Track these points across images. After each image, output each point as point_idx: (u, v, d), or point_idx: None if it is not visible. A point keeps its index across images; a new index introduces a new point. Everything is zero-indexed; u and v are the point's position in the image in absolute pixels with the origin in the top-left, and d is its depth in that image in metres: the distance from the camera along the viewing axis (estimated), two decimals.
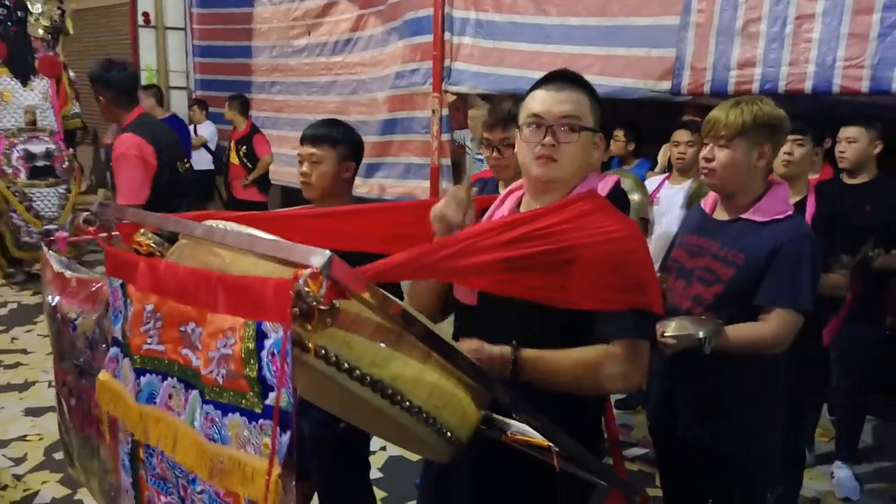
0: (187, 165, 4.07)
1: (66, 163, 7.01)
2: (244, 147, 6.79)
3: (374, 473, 3.03)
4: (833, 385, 3.60)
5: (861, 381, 3.60)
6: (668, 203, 3.78)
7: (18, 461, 3.73)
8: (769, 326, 2.11)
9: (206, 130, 7.86)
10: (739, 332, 2.11)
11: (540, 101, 1.70)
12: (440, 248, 1.32)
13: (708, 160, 2.19)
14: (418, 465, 3.68)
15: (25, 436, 4.00)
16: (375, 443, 3.61)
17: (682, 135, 3.83)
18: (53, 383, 2.43)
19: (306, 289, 0.98)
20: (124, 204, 3.46)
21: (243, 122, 6.90)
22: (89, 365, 2.13)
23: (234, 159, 6.92)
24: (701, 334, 2.02)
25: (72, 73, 7.25)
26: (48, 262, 2.30)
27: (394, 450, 3.90)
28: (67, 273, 2.23)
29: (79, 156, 7.69)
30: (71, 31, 7.08)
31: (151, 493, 1.41)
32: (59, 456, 3.67)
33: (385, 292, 1.13)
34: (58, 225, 6.86)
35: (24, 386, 4.67)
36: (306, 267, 0.99)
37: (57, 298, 2.22)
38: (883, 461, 3.98)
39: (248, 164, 6.79)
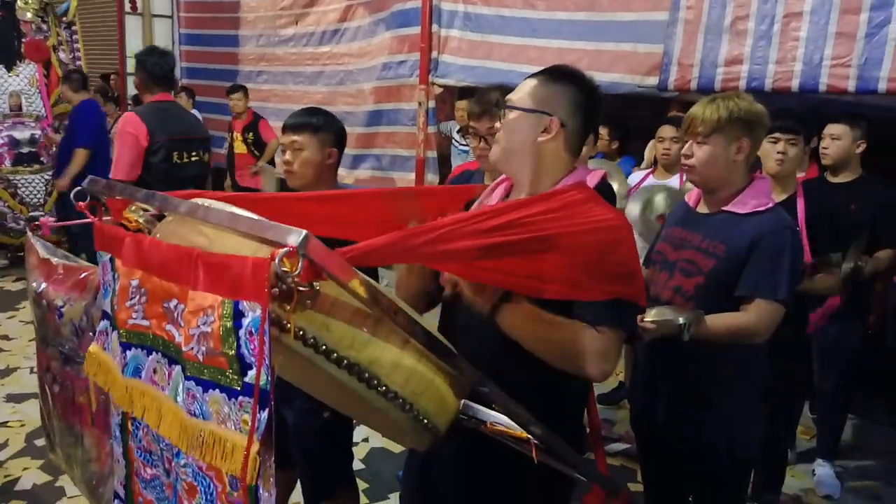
0: (194, 158, 4.06)
1: (54, 149, 6.93)
2: (251, 134, 6.74)
3: (357, 464, 3.03)
4: (815, 383, 3.62)
5: (843, 379, 3.61)
6: None
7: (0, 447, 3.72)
8: (749, 316, 2.13)
9: None
10: (719, 321, 2.12)
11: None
12: (421, 233, 1.31)
13: (687, 157, 2.21)
14: (400, 457, 3.69)
15: (7, 422, 3.98)
16: (358, 433, 3.60)
17: (666, 131, 3.87)
18: (36, 370, 2.41)
19: (283, 268, 0.98)
20: (114, 179, 3.58)
21: (246, 110, 6.87)
22: (75, 352, 2.11)
23: (239, 148, 6.87)
24: (681, 320, 2.04)
25: (62, 55, 7.16)
26: (34, 248, 2.26)
27: (376, 441, 3.91)
28: (54, 259, 2.19)
29: None
30: (74, 17, 6.99)
31: (138, 464, 1.42)
32: (40, 443, 3.66)
33: (362, 274, 1.12)
34: (44, 212, 6.78)
35: (6, 372, 4.65)
36: (283, 246, 0.98)
37: (43, 285, 2.19)
38: (864, 459, 4.01)
39: (255, 151, 6.76)
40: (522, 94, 1.72)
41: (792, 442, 3.87)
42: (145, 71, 3.99)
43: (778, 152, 2.97)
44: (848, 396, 3.72)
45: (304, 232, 0.98)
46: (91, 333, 2.02)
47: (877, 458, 4.02)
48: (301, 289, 1.02)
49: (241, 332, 1.04)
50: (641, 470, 2.59)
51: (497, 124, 1.74)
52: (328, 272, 1.03)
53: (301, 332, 1.12)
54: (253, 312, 1.02)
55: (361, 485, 3.21)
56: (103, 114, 6.62)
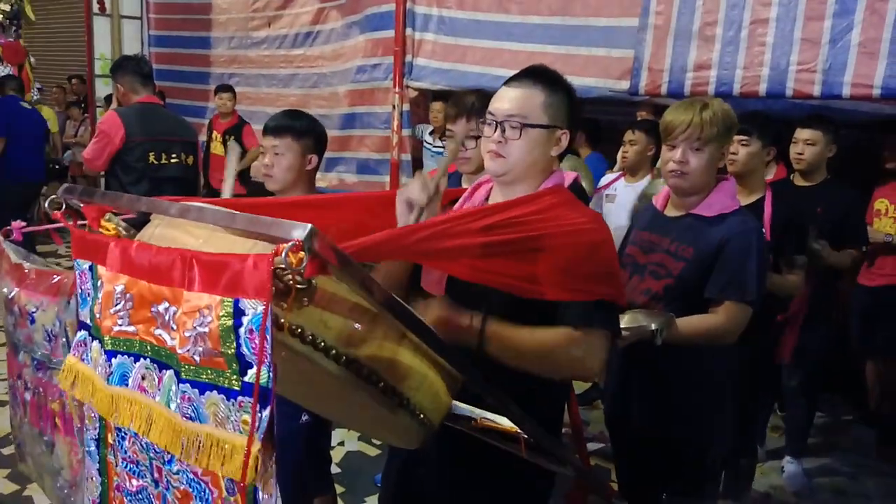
0: (174, 160, 4.07)
1: None
2: (232, 137, 6.58)
3: (333, 468, 3.03)
4: (785, 383, 3.69)
5: (810, 378, 3.69)
6: (623, 199, 4.01)
7: None
8: (718, 318, 2.19)
9: None
10: (690, 323, 2.17)
11: (495, 99, 1.75)
12: (419, 230, 1.34)
13: (682, 163, 2.19)
14: (377, 461, 3.70)
15: None
16: (334, 437, 3.60)
17: (628, 134, 4.02)
18: (6, 377, 2.37)
19: (287, 262, 0.97)
20: (82, 162, 3.73)
21: (232, 112, 6.77)
22: (47, 358, 2.09)
23: (217, 150, 6.73)
24: (653, 326, 2.08)
25: (32, 59, 7.06)
26: (5, 253, 2.23)
27: (352, 444, 3.91)
28: (26, 265, 2.16)
29: None
30: (32, 17, 6.89)
31: (122, 478, 1.39)
32: (7, 451, 3.63)
33: (365, 270, 1.12)
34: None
35: None
36: (287, 241, 0.98)
37: (15, 290, 2.16)
38: (830, 456, 4.11)
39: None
40: (533, 108, 1.69)
41: (762, 440, 3.95)
42: (133, 73, 4.07)
43: (730, 153, 2.98)
44: (814, 395, 3.79)
45: (310, 226, 0.97)
46: (64, 339, 2.00)
47: (842, 454, 4.12)
48: (299, 286, 1.01)
49: (242, 331, 1.03)
50: (616, 469, 2.63)
51: (496, 134, 1.69)
52: (332, 266, 1.03)
53: (299, 330, 1.12)
54: (254, 310, 1.01)
55: (338, 488, 3.21)
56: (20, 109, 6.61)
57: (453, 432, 1.59)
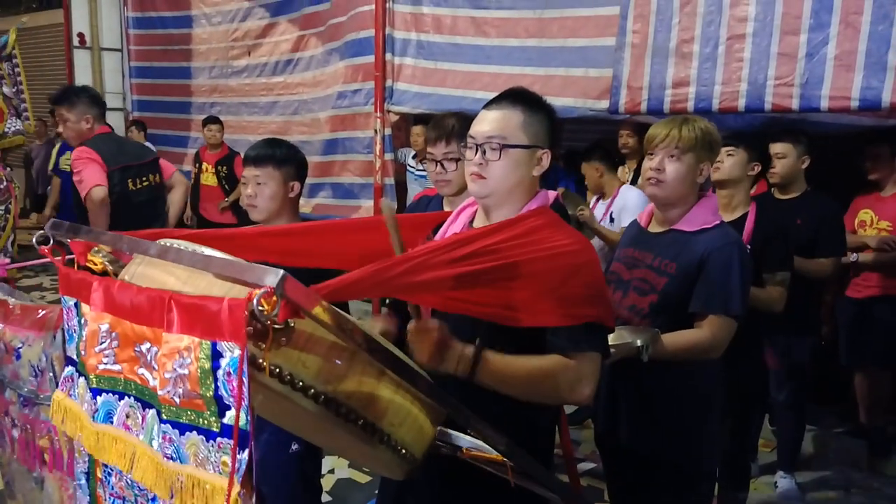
0: (145, 183, 4.11)
1: (4, 182, 6.74)
2: (224, 167, 6.62)
3: (324, 497, 2.99)
4: (773, 397, 3.67)
5: (798, 391, 3.67)
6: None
7: None
8: (703, 333, 2.19)
9: None
10: (675, 339, 2.17)
11: (476, 122, 1.76)
12: (395, 265, 1.32)
13: (658, 170, 2.24)
14: (367, 487, 3.67)
15: None
16: (324, 465, 3.56)
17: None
18: None
19: (260, 308, 0.98)
20: (92, 186, 3.71)
21: (221, 143, 6.76)
22: (34, 394, 2.09)
23: (208, 181, 6.72)
24: (639, 342, 2.07)
25: (6, 90, 7.00)
26: None
27: (343, 472, 3.87)
28: (11, 301, 2.18)
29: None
30: (13, 49, 6.85)
31: None
32: None
33: (339, 310, 1.12)
34: None
35: None
36: (260, 287, 0.99)
37: (0, 326, 2.17)
38: (822, 469, 4.08)
39: (225, 185, 6.63)
40: (512, 129, 1.70)
41: (753, 455, 3.92)
42: (98, 105, 4.09)
43: (716, 161, 3.01)
44: (803, 409, 3.78)
45: (282, 272, 0.98)
46: (51, 373, 2.01)
47: (835, 467, 4.10)
48: (276, 327, 1.02)
49: (220, 373, 1.03)
50: (608, 489, 2.60)
51: (477, 156, 1.70)
52: (305, 311, 1.03)
53: (277, 370, 1.12)
54: (231, 353, 1.02)
55: None
56: None
57: (444, 459, 1.57)
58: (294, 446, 2.40)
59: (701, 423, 2.28)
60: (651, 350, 2.07)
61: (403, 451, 1.35)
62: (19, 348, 2.10)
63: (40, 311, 2.09)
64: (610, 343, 2.05)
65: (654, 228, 2.37)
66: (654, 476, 2.28)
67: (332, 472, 3.86)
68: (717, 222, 2.27)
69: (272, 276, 0.98)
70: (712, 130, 2.26)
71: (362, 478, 3.83)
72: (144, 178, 4.09)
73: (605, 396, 2.40)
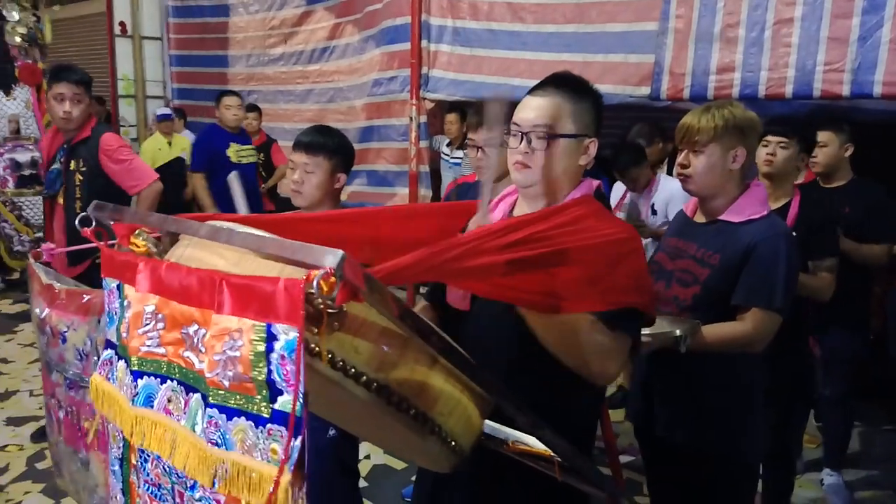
0: None
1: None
2: (262, 155, 6.63)
3: (360, 482, 2.99)
4: (820, 391, 3.57)
5: (846, 387, 3.59)
6: None
7: (0, 471, 3.67)
8: (745, 326, 2.13)
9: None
10: (716, 331, 2.12)
11: (520, 108, 1.71)
12: (447, 250, 1.29)
13: (684, 166, 2.21)
14: (403, 474, 3.67)
15: (6, 446, 3.95)
16: (360, 451, 3.57)
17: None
18: (40, 393, 2.43)
19: (319, 289, 0.95)
20: (147, 184, 3.64)
21: (259, 130, 6.79)
22: (79, 377, 2.13)
23: None
24: (677, 332, 2.03)
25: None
26: (36, 274, 2.26)
27: (378, 458, 3.88)
28: (56, 285, 2.20)
29: None
30: (49, 39, 6.94)
31: (143, 500, 1.37)
32: (41, 465, 3.67)
33: (395, 295, 1.09)
34: None
35: (5, 395, 4.61)
36: (318, 268, 0.95)
37: (46, 310, 2.20)
38: (870, 468, 3.98)
39: (262, 172, 6.66)
40: (559, 116, 1.66)
41: (798, 451, 3.82)
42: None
43: (768, 154, 2.98)
44: (850, 404, 3.67)
45: (341, 253, 0.94)
46: (95, 357, 2.04)
47: (884, 466, 4.00)
48: (330, 311, 0.99)
49: (273, 356, 0.99)
50: (647, 481, 2.55)
51: (522, 145, 1.66)
52: (364, 293, 1.00)
53: (330, 355, 1.09)
54: (286, 335, 0.98)
55: (366, 503, 3.16)
56: None
57: (485, 451, 1.54)
58: (331, 431, 2.38)
59: (745, 412, 2.23)
60: (689, 341, 2.03)
61: (453, 442, 1.32)
62: (65, 332, 2.14)
63: (85, 295, 2.12)
64: (649, 332, 2.02)
65: (700, 219, 2.32)
66: (695, 469, 2.23)
67: (367, 457, 3.86)
68: (765, 212, 2.20)
69: (331, 257, 0.94)
70: (740, 114, 2.17)
71: (398, 464, 3.84)
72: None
73: (643, 387, 2.36)
